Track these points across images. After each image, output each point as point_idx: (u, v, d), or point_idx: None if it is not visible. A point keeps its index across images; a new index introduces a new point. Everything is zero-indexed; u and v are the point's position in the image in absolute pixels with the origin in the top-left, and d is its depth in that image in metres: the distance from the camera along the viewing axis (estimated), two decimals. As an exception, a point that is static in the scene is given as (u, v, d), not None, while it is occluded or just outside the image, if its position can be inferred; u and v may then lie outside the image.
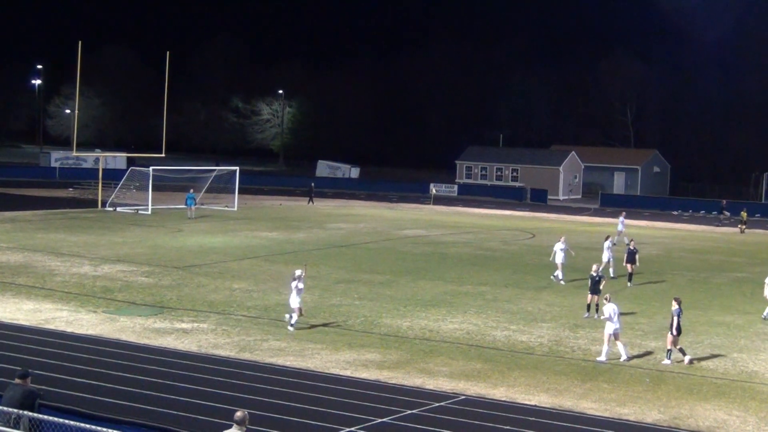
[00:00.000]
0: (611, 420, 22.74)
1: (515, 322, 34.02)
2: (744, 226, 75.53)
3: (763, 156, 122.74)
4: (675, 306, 28.84)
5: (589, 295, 35.42)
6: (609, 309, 28.60)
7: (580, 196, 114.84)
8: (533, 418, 22.49)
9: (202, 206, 74.59)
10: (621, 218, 61.88)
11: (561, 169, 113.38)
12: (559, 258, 43.37)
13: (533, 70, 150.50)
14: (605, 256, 45.32)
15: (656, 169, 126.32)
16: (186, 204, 67.83)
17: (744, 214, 76.83)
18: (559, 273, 43.25)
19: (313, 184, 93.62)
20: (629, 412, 23.40)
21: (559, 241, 43.95)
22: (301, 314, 31.39)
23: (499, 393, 24.66)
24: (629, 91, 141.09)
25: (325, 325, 32.12)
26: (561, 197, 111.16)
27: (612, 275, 44.65)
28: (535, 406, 23.66)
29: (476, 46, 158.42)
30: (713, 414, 23.59)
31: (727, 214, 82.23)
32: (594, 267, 35.93)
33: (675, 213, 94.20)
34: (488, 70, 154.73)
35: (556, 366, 27.79)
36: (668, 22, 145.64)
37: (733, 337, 32.66)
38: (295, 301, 31.08)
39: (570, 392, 25.00)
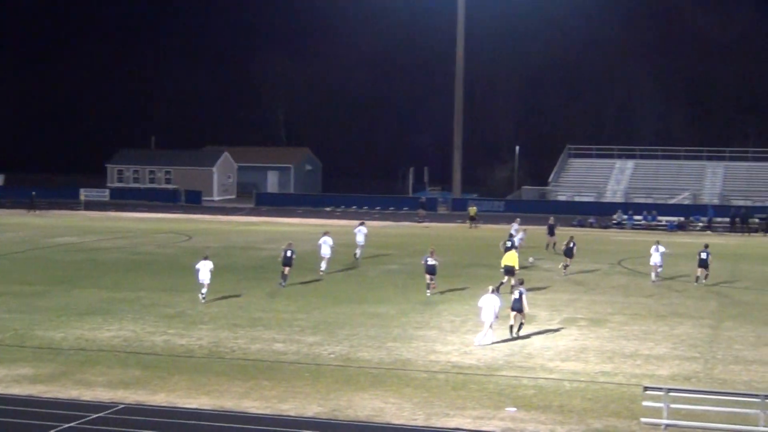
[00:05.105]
0: (272, 417, 22.98)
1: (174, 326, 33.64)
2: (472, 222, 77.15)
3: (409, 151, 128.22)
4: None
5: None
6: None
7: (234, 197, 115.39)
8: (194, 422, 22.39)
9: None
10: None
11: (214, 169, 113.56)
12: (326, 252, 46.73)
13: (186, 70, 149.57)
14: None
15: (308, 167, 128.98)
16: None
17: (472, 210, 79.28)
18: (323, 264, 46.69)
19: (34, 193, 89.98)
20: (290, 408, 23.71)
21: (326, 235, 47.19)
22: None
23: (160, 399, 24.33)
24: (281, 91, 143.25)
25: None
26: (215, 198, 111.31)
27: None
28: (197, 409, 23.50)
29: (125, 46, 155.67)
30: (371, 403, 24.29)
31: (424, 212, 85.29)
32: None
33: (328, 209, 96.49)
34: (139, 70, 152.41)
35: (217, 367, 27.73)
36: (318, 21, 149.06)
37: (387, 327, 33.77)
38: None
39: (231, 392, 25.00)
